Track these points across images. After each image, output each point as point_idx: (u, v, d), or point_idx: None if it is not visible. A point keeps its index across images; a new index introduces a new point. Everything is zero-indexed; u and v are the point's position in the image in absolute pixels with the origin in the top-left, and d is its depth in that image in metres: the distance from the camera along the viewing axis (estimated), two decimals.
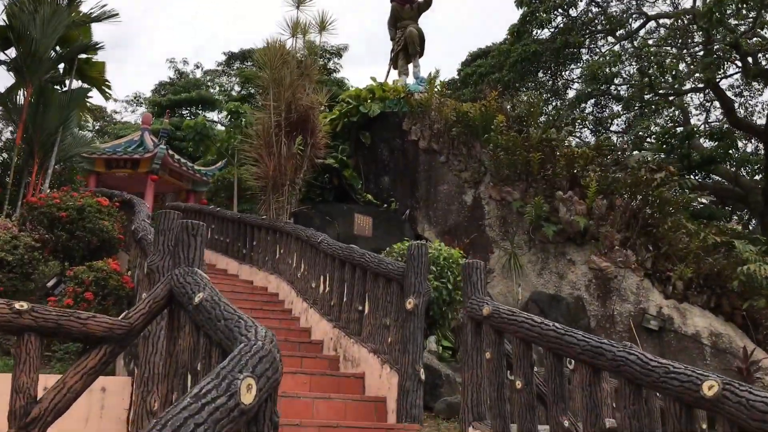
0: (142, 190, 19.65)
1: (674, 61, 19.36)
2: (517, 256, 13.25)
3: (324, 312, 8.11)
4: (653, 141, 24.61)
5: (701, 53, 20.06)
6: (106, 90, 13.19)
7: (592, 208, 12.91)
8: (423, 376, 5.80)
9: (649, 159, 14.62)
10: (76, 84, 12.67)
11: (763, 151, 21.67)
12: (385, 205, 14.73)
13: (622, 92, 26.60)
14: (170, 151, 19.35)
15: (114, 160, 19.21)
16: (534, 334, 4.50)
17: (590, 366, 4.08)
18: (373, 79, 16.24)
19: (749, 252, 12.41)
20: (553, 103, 26.61)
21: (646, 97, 24.25)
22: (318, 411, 5.73)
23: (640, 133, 24.12)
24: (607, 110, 27.92)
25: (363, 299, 7.15)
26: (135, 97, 42.89)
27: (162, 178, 19.20)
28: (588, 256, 12.90)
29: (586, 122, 26.45)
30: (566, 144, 15.00)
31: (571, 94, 27.27)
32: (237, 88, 39.31)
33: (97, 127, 40.33)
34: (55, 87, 12.40)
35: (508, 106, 15.56)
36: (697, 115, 26.96)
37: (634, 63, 21.84)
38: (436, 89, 15.66)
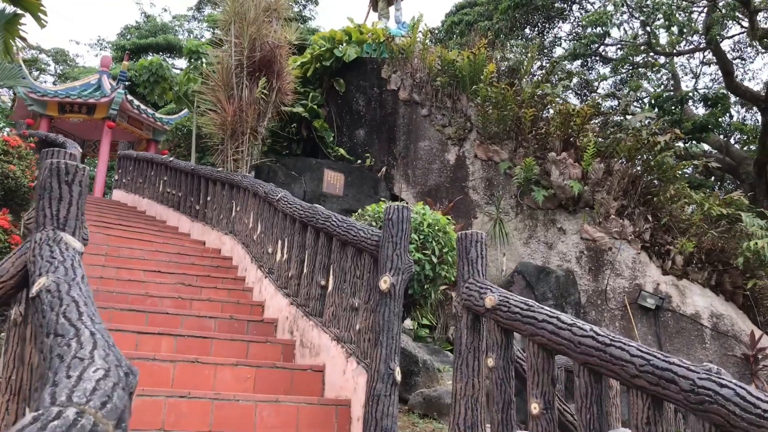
0: (99, 138, 18.13)
1: (682, 14, 17.96)
2: (503, 222, 11.99)
3: (280, 284, 6.74)
4: (639, 107, 23.36)
5: (704, 11, 18.69)
6: (42, 17, 11.38)
7: (588, 171, 11.63)
8: (399, 377, 4.47)
9: (652, 119, 13.30)
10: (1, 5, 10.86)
11: (759, 120, 20.57)
12: (359, 161, 13.23)
13: (611, 54, 25.26)
14: (129, 97, 17.69)
15: (68, 103, 17.56)
16: (561, 339, 3.17)
17: (650, 395, 2.79)
18: (350, 20, 14.52)
19: (756, 226, 11.28)
20: (539, 63, 25.18)
21: (638, 58, 22.90)
22: (261, 419, 4.40)
23: (629, 97, 22.84)
24: (594, 72, 26.63)
25: (327, 272, 5.78)
26: (98, 41, 40.42)
27: (120, 125, 17.70)
28: (580, 224, 11.68)
29: (572, 83, 25.10)
30: (560, 101, 13.62)
31: (558, 53, 25.92)
32: (207, 34, 37.03)
33: (59, 72, 37.89)
34: None
35: (498, 57, 14.09)
36: (686, 81, 25.79)
37: (636, 16, 20.32)
38: (419, 35, 14.08)
